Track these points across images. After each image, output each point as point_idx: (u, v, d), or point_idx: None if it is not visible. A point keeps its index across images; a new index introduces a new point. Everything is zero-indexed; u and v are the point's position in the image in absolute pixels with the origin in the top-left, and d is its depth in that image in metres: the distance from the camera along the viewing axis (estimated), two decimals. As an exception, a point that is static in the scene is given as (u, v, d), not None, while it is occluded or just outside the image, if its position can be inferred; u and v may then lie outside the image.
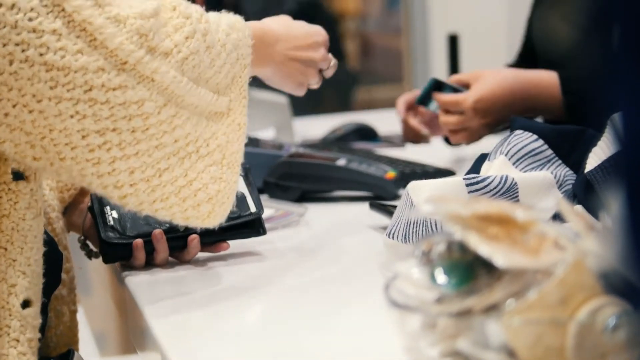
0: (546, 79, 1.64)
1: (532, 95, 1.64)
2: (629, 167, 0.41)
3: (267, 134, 2.11)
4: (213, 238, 1.28)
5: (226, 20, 1.19)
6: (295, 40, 1.31)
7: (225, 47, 1.16)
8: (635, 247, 0.42)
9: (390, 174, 1.64)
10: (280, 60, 1.29)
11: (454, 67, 2.51)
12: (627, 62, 0.40)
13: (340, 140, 2.16)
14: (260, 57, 1.25)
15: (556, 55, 1.75)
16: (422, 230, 1.19)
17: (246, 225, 1.32)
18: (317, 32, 1.34)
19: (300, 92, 1.36)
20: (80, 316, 2.03)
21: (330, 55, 1.37)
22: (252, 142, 1.84)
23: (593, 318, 0.77)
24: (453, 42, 2.52)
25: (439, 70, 3.63)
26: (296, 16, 1.34)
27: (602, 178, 1.20)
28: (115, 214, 1.29)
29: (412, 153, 1.94)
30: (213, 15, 1.18)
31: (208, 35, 1.12)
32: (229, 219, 1.27)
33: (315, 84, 1.37)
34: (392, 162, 1.79)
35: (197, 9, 1.14)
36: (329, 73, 1.38)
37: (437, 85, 1.73)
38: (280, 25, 1.31)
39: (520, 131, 1.34)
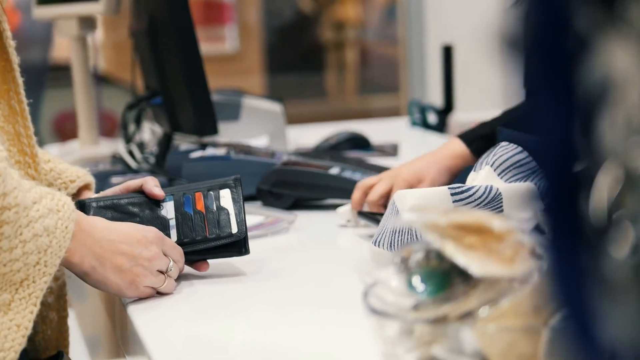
0: (457, 149, 1.59)
1: (457, 165, 1.60)
2: (550, 193, 0.42)
3: (260, 141, 2.13)
4: (194, 257, 1.27)
5: (45, 212, 1.08)
6: (120, 233, 1.18)
7: (26, 245, 1.06)
8: (558, 272, 0.44)
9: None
10: (101, 253, 1.15)
11: (448, 77, 2.53)
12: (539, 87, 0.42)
13: (333, 149, 2.18)
14: (77, 245, 1.12)
15: None
16: (407, 239, 1.21)
17: (228, 245, 1.29)
18: (148, 229, 1.21)
19: (134, 293, 1.18)
20: (72, 320, 2.05)
21: (169, 256, 1.22)
22: (244, 150, 1.86)
23: (566, 325, 0.79)
24: (448, 52, 2.54)
25: (434, 79, 3.66)
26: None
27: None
28: None
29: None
30: (33, 197, 1.08)
31: (5, 226, 1.03)
32: (208, 239, 1.27)
33: (159, 286, 1.20)
34: (385, 171, 1.81)
35: (15, 189, 1.04)
36: (172, 274, 1.22)
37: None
38: (102, 220, 1.20)
39: (506, 143, 1.36)
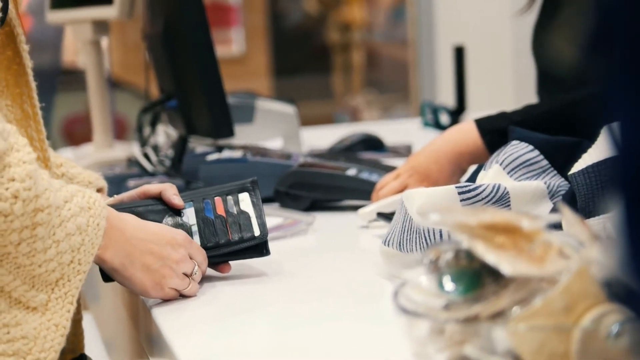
0: (467, 139, 1.61)
1: (466, 162, 1.62)
2: (626, 177, 0.43)
3: (274, 144, 2.13)
4: (216, 259, 1.28)
5: (77, 210, 1.10)
6: (151, 232, 1.19)
7: (59, 244, 1.07)
8: (633, 255, 0.44)
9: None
10: (131, 251, 1.16)
11: (460, 78, 2.53)
12: (626, 78, 0.42)
13: (348, 150, 2.18)
14: (108, 242, 1.14)
15: (557, 75, 1.76)
16: (416, 238, 1.21)
17: (250, 247, 1.30)
18: (177, 232, 1.22)
19: (158, 294, 1.19)
20: (90, 322, 2.06)
21: (194, 259, 1.22)
22: (261, 152, 1.87)
23: (597, 325, 0.79)
24: (459, 53, 2.54)
25: (445, 80, 3.66)
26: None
27: (583, 182, 1.22)
28: None
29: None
30: (64, 196, 1.09)
31: (39, 228, 1.05)
32: (231, 243, 1.28)
33: (184, 289, 1.20)
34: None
35: (47, 190, 1.06)
36: (196, 278, 1.22)
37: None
38: (133, 217, 1.21)
39: (517, 141, 1.36)
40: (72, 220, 1.09)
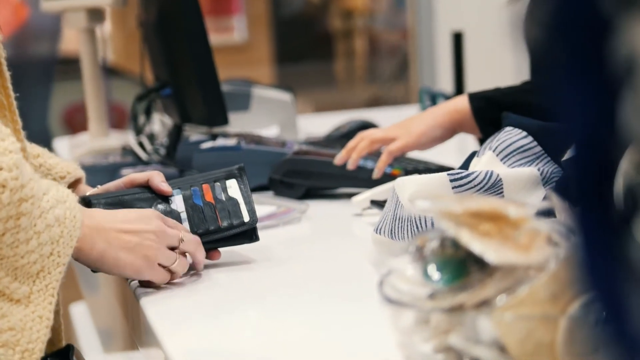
0: (458, 101, 1.63)
1: (449, 122, 1.63)
2: (579, 170, 0.42)
3: (270, 131, 2.12)
4: (206, 246, 1.27)
5: (54, 202, 1.08)
6: (120, 216, 1.18)
7: (40, 236, 1.06)
8: (586, 248, 0.43)
9: (395, 171, 1.65)
10: (107, 235, 1.14)
11: (458, 65, 2.52)
12: (574, 69, 0.41)
13: (344, 138, 2.16)
14: (85, 231, 1.12)
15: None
16: (408, 226, 1.20)
17: (239, 233, 1.30)
18: (144, 210, 1.22)
19: (150, 272, 1.17)
20: (85, 313, 2.05)
21: (177, 229, 1.21)
22: (255, 139, 1.85)
23: (584, 313, 0.78)
24: (457, 39, 2.52)
25: (444, 67, 3.64)
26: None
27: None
28: None
29: (416, 151, 1.95)
30: (42, 188, 1.08)
31: (23, 218, 1.04)
32: (221, 229, 1.27)
33: (172, 263, 1.19)
34: (397, 159, 1.80)
35: (32, 182, 1.05)
36: (185, 246, 1.21)
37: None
38: (100, 210, 1.21)
39: (510, 128, 1.35)
40: (51, 212, 1.08)
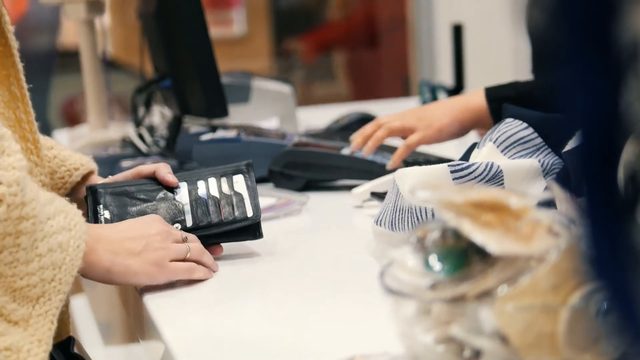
0: (476, 98, 1.61)
1: (468, 119, 1.62)
2: (585, 154, 0.41)
3: (270, 123, 2.12)
4: (208, 241, 1.27)
5: (59, 228, 1.06)
6: (121, 226, 1.18)
7: (42, 259, 1.04)
8: (593, 232, 0.43)
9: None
10: (111, 246, 1.13)
11: (458, 57, 2.51)
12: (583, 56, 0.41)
13: (344, 130, 2.16)
14: (87, 247, 1.10)
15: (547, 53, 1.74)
16: (408, 218, 1.20)
17: (242, 229, 1.29)
18: (146, 215, 1.22)
19: (164, 273, 1.17)
20: (86, 306, 2.05)
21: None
22: (255, 131, 1.85)
23: (585, 303, 0.78)
24: (457, 31, 2.51)
25: (444, 59, 3.64)
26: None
27: (577, 159, 1.20)
28: (107, 214, 1.27)
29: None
30: (48, 212, 1.06)
31: (22, 237, 1.02)
32: (224, 223, 1.27)
33: (186, 254, 1.19)
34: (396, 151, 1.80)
35: (34, 202, 1.03)
36: (193, 257, 1.19)
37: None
38: (98, 226, 1.20)
39: (511, 119, 1.34)
40: (54, 237, 1.05)
